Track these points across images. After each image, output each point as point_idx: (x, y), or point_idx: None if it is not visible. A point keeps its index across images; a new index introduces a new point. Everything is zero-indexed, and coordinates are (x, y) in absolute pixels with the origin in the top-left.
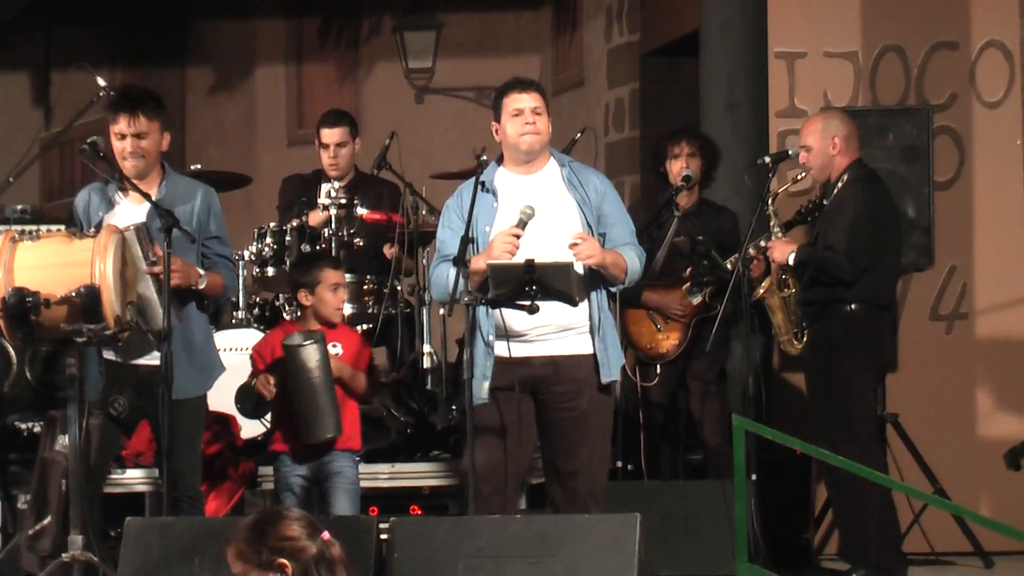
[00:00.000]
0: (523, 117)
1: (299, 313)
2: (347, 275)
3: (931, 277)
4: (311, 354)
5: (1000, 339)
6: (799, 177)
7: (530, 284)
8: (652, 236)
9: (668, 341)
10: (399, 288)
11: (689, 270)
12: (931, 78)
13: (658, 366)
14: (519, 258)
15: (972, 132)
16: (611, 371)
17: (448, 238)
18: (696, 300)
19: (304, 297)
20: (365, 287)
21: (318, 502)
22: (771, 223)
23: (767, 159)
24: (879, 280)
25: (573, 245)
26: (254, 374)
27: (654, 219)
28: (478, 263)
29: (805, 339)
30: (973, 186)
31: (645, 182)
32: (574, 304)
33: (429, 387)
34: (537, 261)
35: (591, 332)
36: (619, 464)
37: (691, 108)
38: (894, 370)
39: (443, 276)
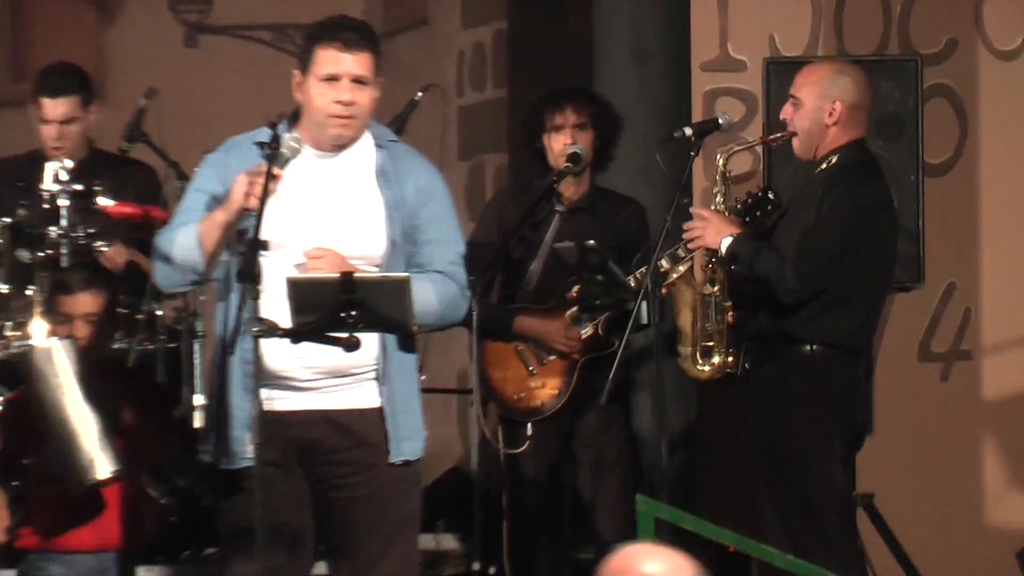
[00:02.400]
0: (338, 88)
1: None
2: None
3: (920, 300)
4: (55, 357)
5: (1018, 388)
6: (777, 136)
7: (348, 307)
8: (525, 240)
9: (544, 390)
10: (159, 313)
11: (576, 289)
12: (920, 18)
13: (529, 425)
14: (286, 270)
15: (978, 94)
16: (401, 446)
17: (195, 204)
18: (585, 332)
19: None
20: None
21: None
22: (714, 190)
23: (688, 131)
24: (854, 315)
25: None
26: None
27: (528, 216)
28: (213, 217)
29: (716, 359)
30: (979, 170)
31: (515, 164)
32: (411, 334)
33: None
34: (358, 276)
35: (379, 379)
36: (476, 567)
37: (582, 58)
38: (869, 433)
39: (170, 241)
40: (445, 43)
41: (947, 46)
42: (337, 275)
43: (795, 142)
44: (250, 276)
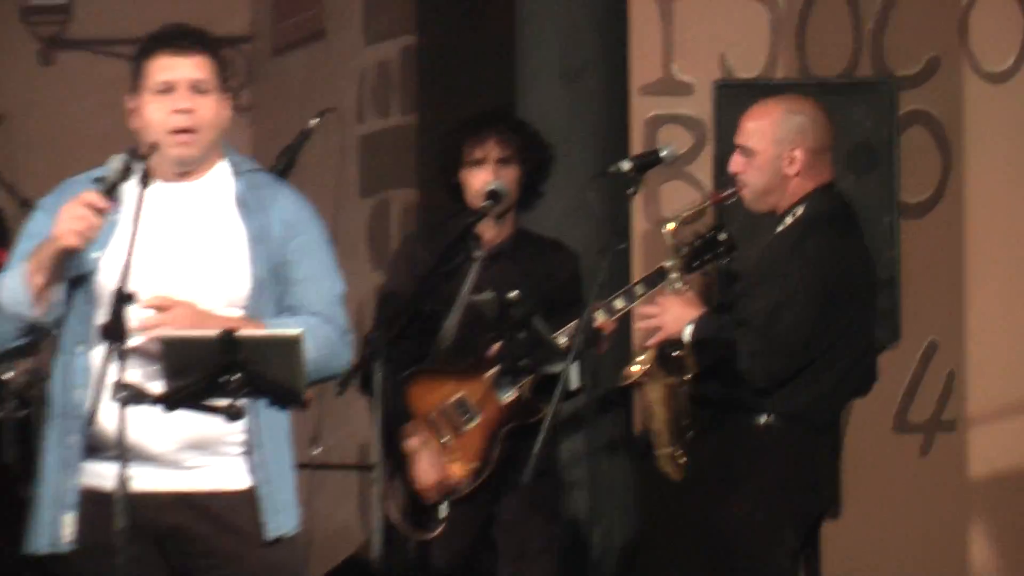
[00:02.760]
0: (173, 98)
1: None
2: None
3: (897, 361)
4: None
5: (1008, 463)
6: (729, 193)
7: (230, 370)
8: (438, 291)
9: (460, 465)
10: (6, 377)
11: (497, 347)
12: (896, 34)
13: (442, 507)
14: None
15: (963, 122)
16: (280, 518)
17: (26, 253)
18: (508, 397)
19: None
20: None
21: None
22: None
23: (626, 164)
24: (820, 384)
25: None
26: None
27: (441, 263)
28: (38, 253)
29: None
30: (964, 211)
31: (425, 201)
32: (301, 404)
33: None
34: (241, 333)
35: (248, 452)
36: None
37: (503, 79)
38: (835, 517)
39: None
40: (344, 61)
41: (927, 66)
42: (216, 332)
43: (745, 194)
44: (116, 332)
